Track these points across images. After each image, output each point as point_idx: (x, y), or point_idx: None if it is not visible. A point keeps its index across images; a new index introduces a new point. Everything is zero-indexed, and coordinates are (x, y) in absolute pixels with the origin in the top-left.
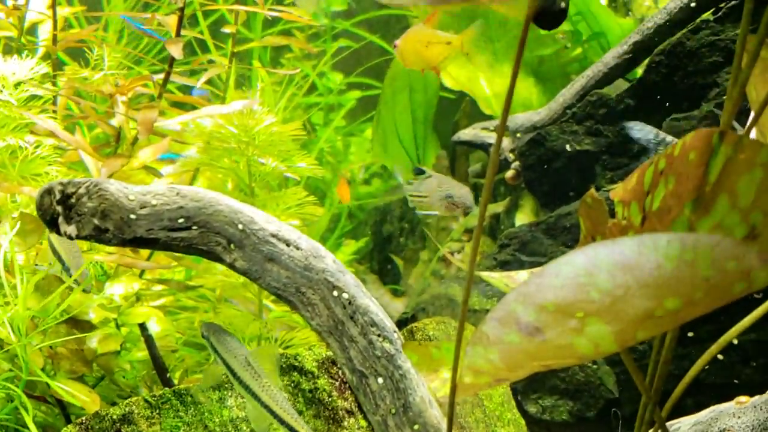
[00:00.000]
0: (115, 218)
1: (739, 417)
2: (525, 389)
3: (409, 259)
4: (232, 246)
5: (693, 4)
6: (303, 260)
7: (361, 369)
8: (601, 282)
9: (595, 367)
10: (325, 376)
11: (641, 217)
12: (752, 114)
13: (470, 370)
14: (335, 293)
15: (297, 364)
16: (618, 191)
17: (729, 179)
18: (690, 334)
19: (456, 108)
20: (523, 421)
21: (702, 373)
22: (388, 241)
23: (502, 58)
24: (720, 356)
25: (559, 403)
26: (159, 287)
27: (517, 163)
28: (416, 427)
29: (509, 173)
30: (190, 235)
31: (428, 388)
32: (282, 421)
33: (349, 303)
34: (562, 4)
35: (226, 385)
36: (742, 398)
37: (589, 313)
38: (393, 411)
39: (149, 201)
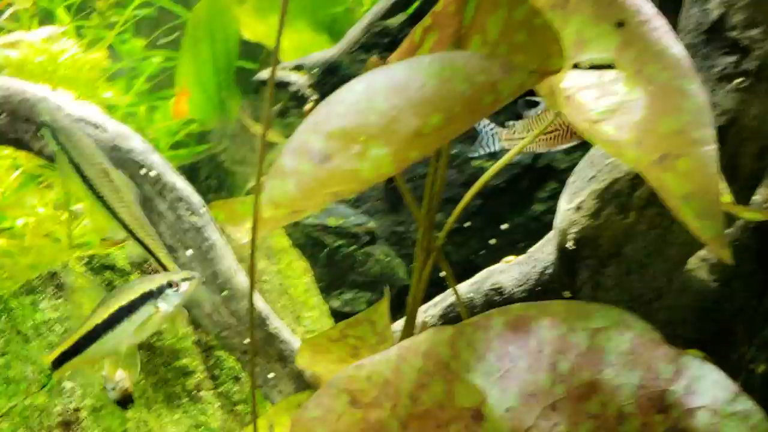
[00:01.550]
0: None
1: (506, 273)
2: (328, 287)
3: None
4: (40, 133)
5: None
6: (110, 142)
7: (171, 243)
8: (378, 105)
9: (388, 259)
10: (138, 272)
11: None
12: None
13: (269, 202)
14: (143, 171)
15: (109, 263)
16: (396, 53)
17: (479, 20)
18: (467, 224)
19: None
20: (326, 306)
21: (478, 258)
22: None
23: (296, 15)
24: (492, 241)
25: (359, 295)
26: None
27: (315, 95)
28: (225, 293)
29: (307, 106)
30: None
31: (234, 254)
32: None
33: (157, 180)
34: None
35: (38, 289)
36: (510, 258)
37: (370, 136)
38: (203, 280)
39: None
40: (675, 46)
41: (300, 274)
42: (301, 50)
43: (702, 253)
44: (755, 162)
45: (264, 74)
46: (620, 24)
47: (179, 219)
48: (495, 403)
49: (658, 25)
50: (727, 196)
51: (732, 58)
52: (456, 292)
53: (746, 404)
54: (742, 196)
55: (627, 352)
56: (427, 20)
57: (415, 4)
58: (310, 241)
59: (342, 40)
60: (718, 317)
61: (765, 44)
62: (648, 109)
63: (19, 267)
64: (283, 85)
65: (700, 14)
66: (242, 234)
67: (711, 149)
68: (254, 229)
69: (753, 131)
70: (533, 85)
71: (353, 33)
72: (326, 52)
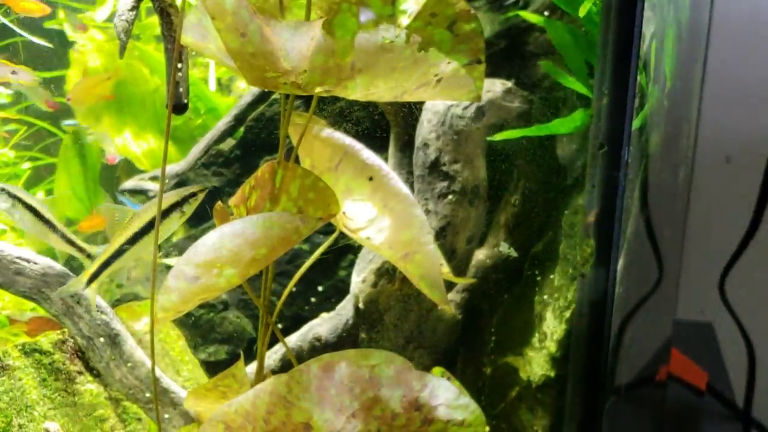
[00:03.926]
0: None
1: (323, 325)
2: (196, 345)
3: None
4: None
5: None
6: (41, 271)
7: (88, 335)
8: (227, 245)
9: (238, 320)
10: (59, 352)
11: (246, 212)
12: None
13: (161, 308)
14: None
15: (37, 347)
16: (233, 199)
17: (285, 185)
18: (294, 289)
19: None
20: (197, 360)
21: (304, 312)
22: None
23: (145, 127)
24: (313, 299)
25: (220, 348)
26: None
27: None
28: (129, 364)
29: None
30: None
31: (133, 338)
32: None
33: (74, 294)
34: (185, 101)
35: None
36: (324, 314)
37: (224, 263)
38: (113, 357)
39: None
40: (404, 188)
41: (175, 339)
42: (151, 156)
43: (450, 296)
44: (465, 245)
45: (128, 184)
46: (371, 178)
47: (93, 318)
48: (318, 418)
49: (393, 176)
50: (446, 269)
51: (445, 183)
52: (288, 350)
53: (465, 399)
54: (462, 262)
55: (393, 377)
56: (251, 181)
57: (240, 132)
58: None
59: (187, 156)
60: (465, 331)
61: (463, 173)
62: (393, 227)
63: None
64: (143, 192)
65: (424, 156)
66: (141, 325)
67: (432, 247)
68: (152, 324)
69: (462, 227)
70: (321, 225)
71: (195, 152)
72: (174, 166)
